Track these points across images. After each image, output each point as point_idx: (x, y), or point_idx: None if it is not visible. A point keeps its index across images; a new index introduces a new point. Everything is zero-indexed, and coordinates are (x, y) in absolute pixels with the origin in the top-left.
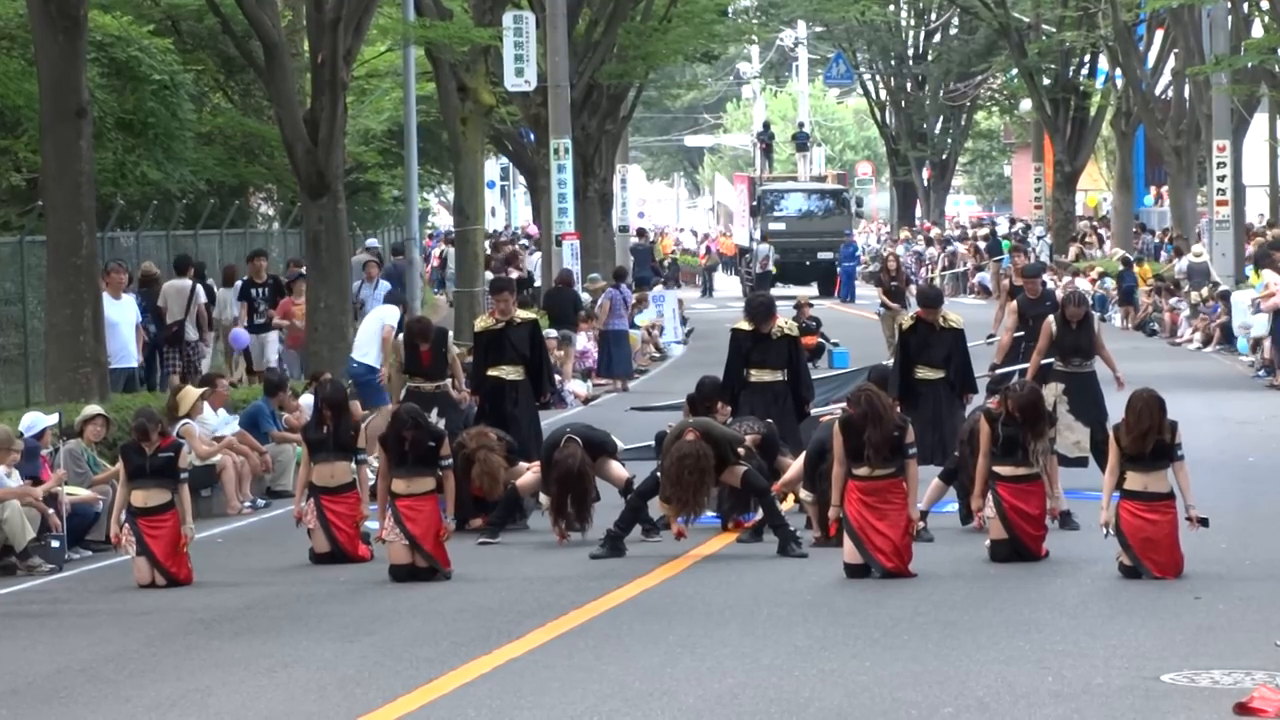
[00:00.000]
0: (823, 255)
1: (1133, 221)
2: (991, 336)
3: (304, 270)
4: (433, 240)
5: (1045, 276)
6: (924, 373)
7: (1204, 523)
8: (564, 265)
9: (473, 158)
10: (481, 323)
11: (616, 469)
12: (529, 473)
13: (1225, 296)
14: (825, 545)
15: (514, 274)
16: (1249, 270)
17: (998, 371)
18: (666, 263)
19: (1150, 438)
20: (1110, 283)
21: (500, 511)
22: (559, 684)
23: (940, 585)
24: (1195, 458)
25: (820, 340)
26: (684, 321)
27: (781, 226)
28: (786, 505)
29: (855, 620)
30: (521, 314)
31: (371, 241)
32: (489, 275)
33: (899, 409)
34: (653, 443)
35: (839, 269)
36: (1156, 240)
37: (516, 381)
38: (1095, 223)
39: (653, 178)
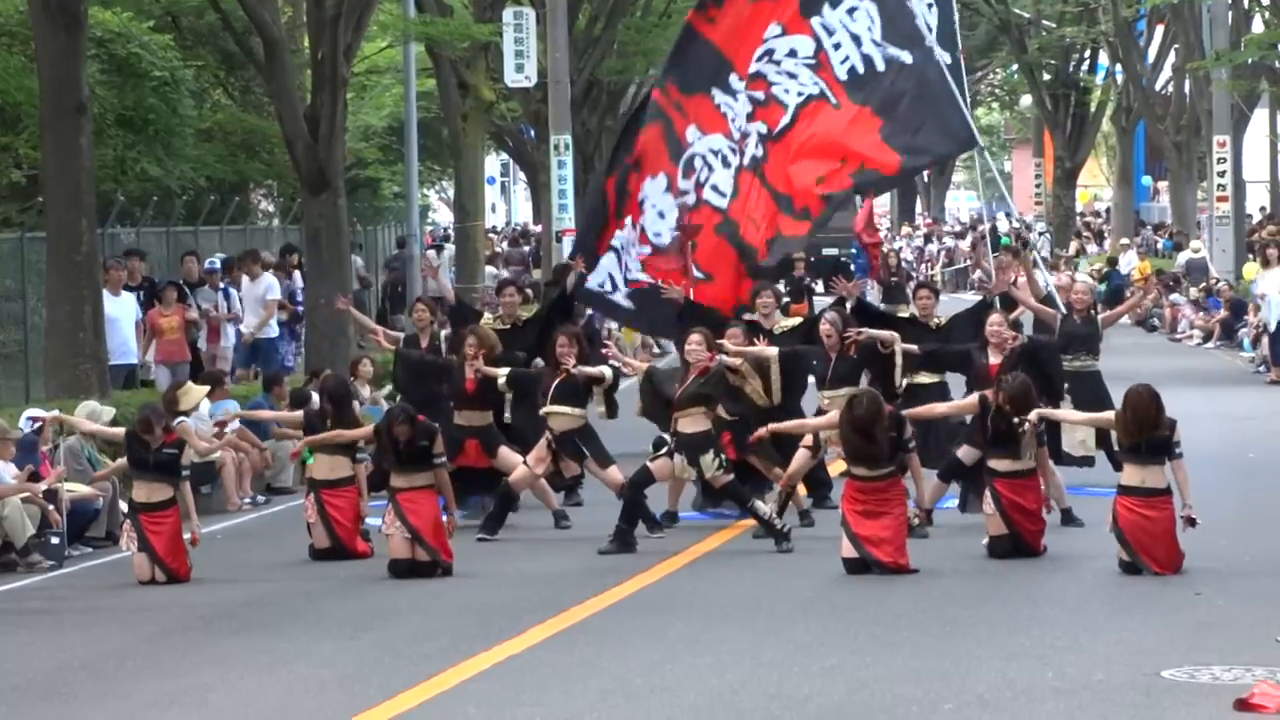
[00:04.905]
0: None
1: (1133, 217)
2: None
3: (178, 279)
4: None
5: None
6: (919, 377)
7: (1191, 523)
8: (562, 261)
9: (473, 154)
10: (487, 324)
11: (612, 472)
12: (521, 467)
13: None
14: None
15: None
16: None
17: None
18: None
19: (1145, 430)
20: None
21: (496, 509)
22: (559, 680)
23: (940, 582)
24: (1195, 453)
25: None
26: None
27: None
28: (801, 492)
29: (856, 617)
30: (525, 314)
31: None
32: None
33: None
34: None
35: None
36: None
37: None
38: (1091, 217)
39: None
